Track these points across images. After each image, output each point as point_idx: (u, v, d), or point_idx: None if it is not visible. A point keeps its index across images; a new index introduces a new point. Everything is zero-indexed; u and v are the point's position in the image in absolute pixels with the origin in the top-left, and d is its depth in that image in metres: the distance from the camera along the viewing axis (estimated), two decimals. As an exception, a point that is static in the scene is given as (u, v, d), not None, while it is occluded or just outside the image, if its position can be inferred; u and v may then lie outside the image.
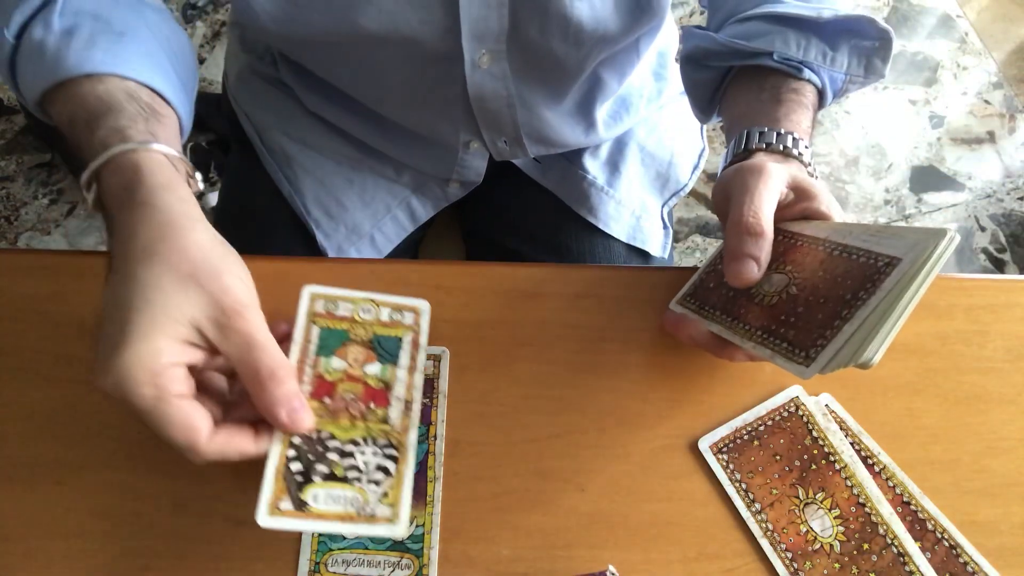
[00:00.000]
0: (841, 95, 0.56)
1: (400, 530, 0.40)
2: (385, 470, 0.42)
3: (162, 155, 0.40)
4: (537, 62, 0.56)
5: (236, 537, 0.43)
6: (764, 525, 0.44)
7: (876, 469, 0.46)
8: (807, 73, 0.52)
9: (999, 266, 1.48)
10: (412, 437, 0.43)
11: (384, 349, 0.46)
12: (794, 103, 0.52)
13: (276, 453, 0.41)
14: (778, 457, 0.46)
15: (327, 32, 0.52)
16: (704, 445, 0.47)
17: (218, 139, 1.45)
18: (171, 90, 0.45)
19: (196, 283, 0.36)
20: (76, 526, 0.43)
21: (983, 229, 1.50)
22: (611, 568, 0.43)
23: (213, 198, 1.40)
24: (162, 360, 0.34)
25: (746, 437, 0.47)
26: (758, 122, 0.50)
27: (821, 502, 0.45)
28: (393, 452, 0.43)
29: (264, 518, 0.39)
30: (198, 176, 0.44)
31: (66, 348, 0.48)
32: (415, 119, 0.63)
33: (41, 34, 0.43)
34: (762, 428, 0.47)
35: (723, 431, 0.47)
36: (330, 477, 0.41)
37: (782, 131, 0.49)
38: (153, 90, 0.44)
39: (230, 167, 0.77)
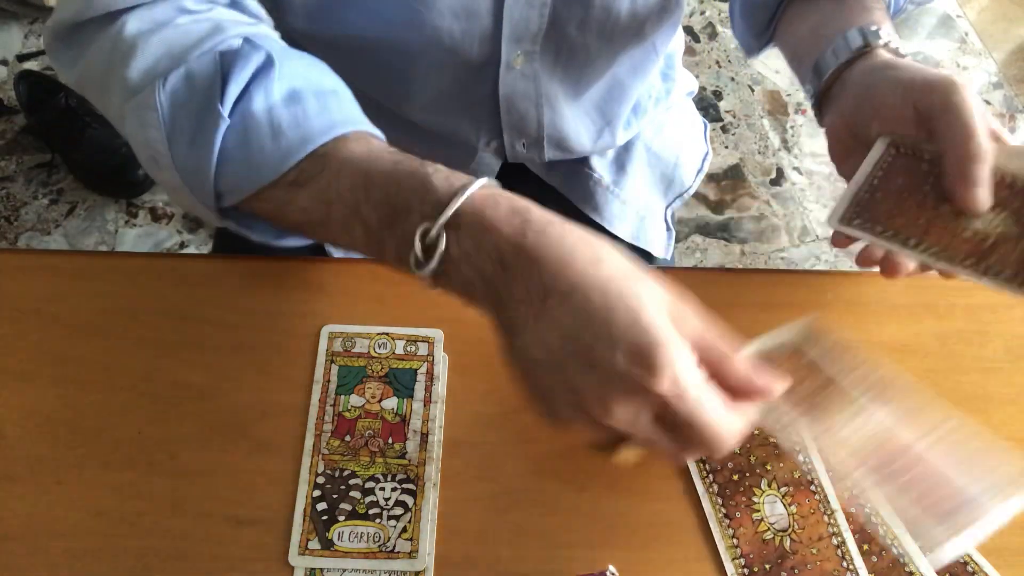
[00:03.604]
0: (896, 16, 0.55)
1: (420, 564, 0.42)
2: (404, 505, 0.44)
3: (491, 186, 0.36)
4: (566, 60, 0.56)
5: (236, 537, 0.43)
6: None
7: (876, 469, 0.46)
8: None
9: (999, 266, 1.48)
10: (429, 470, 0.44)
11: (400, 383, 0.47)
12: (877, 9, 0.50)
13: (303, 494, 0.43)
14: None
15: (362, 37, 0.51)
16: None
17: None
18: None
19: (649, 280, 0.34)
20: (76, 526, 0.43)
21: (983, 229, 1.50)
22: (611, 568, 0.43)
23: (213, 198, 1.40)
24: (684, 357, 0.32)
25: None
26: (858, 22, 0.48)
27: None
28: (411, 486, 0.44)
29: (295, 558, 0.42)
30: None
31: (66, 348, 0.48)
32: (437, 121, 0.63)
33: (264, 104, 0.37)
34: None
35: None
36: (353, 515, 0.43)
37: (886, 32, 0.47)
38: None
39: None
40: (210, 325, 0.49)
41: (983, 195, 0.41)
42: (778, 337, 0.47)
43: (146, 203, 1.42)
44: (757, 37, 0.61)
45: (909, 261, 0.43)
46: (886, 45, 0.47)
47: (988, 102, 1.65)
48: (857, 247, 0.46)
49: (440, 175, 0.36)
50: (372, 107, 0.65)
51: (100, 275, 0.51)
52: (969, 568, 0.44)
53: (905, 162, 0.46)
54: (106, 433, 0.46)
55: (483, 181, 0.35)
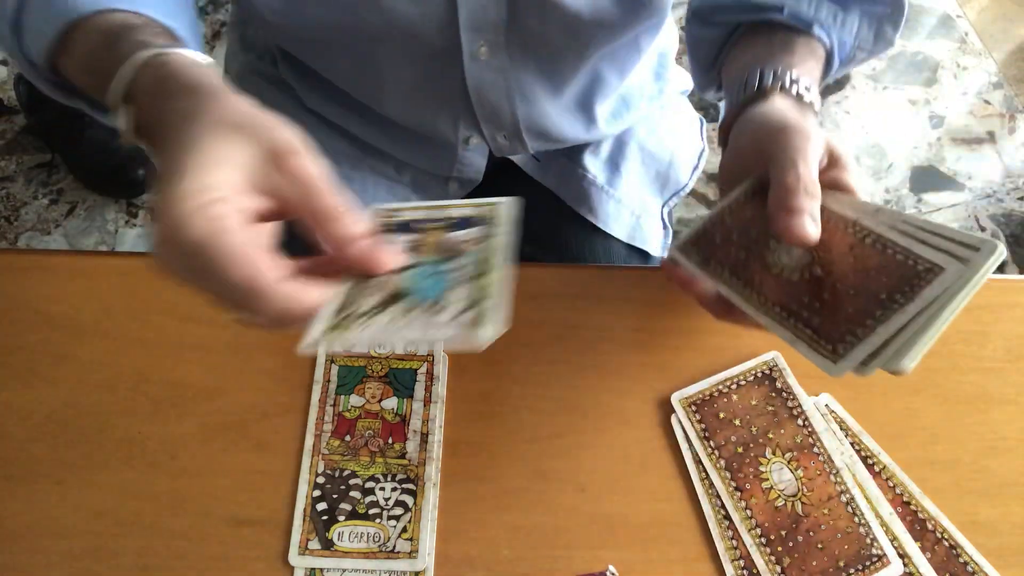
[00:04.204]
0: (847, 64, 0.55)
1: (420, 564, 0.42)
2: (404, 505, 0.44)
3: (191, 57, 0.38)
4: (536, 53, 0.56)
5: (236, 537, 0.43)
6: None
7: (876, 469, 0.46)
8: (817, 30, 0.51)
9: (999, 266, 1.48)
10: (429, 470, 0.44)
11: (400, 383, 0.47)
12: (807, 54, 0.51)
13: (303, 494, 0.44)
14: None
15: (326, 26, 0.52)
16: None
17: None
18: (187, 35, 0.43)
19: (245, 131, 0.33)
20: (76, 526, 0.43)
21: (983, 229, 1.50)
22: (611, 568, 0.43)
23: (213, 198, 1.40)
24: (215, 193, 0.31)
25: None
26: (772, 65, 0.49)
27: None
28: (411, 486, 0.44)
29: (295, 558, 0.42)
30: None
31: (66, 348, 0.48)
32: (414, 115, 0.63)
33: None
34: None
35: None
36: (353, 515, 0.43)
37: (794, 74, 0.48)
38: (169, 30, 0.42)
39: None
40: (210, 325, 0.49)
41: (800, 224, 0.40)
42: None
43: (146, 203, 1.42)
44: (704, 72, 0.61)
45: (745, 309, 0.41)
46: (783, 88, 0.47)
47: (988, 102, 1.65)
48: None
49: (131, 42, 0.38)
50: (354, 108, 0.66)
51: (100, 275, 0.51)
52: (969, 568, 0.44)
53: (756, 201, 0.44)
54: (106, 433, 0.46)
55: (172, 47, 0.38)
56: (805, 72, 0.49)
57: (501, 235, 0.37)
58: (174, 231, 0.30)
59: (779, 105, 0.47)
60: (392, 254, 0.35)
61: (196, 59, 0.38)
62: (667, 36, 0.73)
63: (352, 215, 0.34)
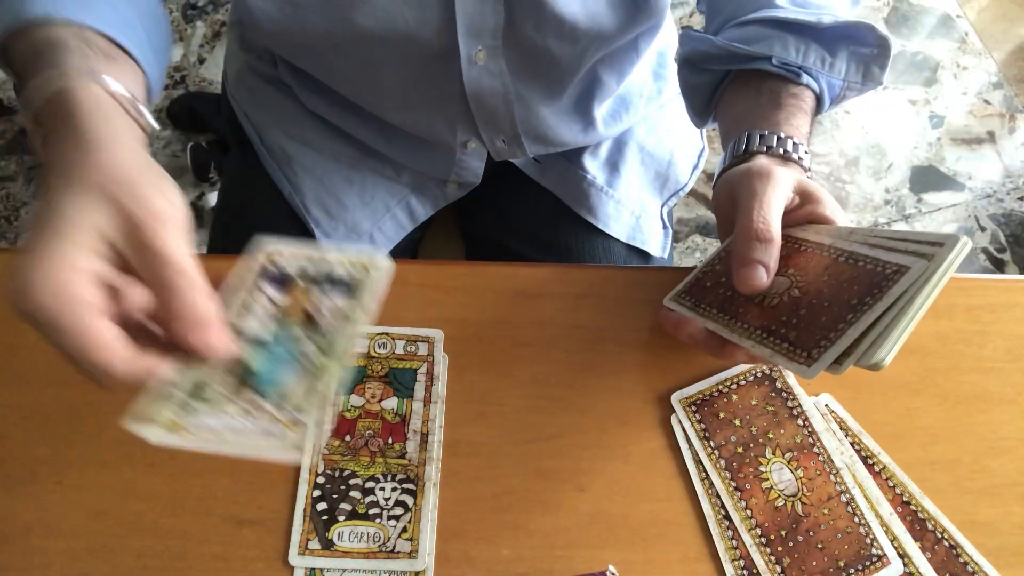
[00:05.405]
0: (838, 102, 0.56)
1: (420, 564, 0.42)
2: (404, 505, 0.44)
3: (101, 89, 0.38)
4: (533, 58, 0.56)
5: (236, 537, 0.43)
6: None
7: (876, 469, 0.46)
8: (805, 78, 0.52)
9: (999, 266, 1.48)
10: (429, 470, 0.44)
11: (400, 383, 0.47)
12: (794, 107, 0.51)
13: (303, 494, 0.44)
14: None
15: (324, 32, 0.52)
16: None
17: (218, 139, 1.45)
18: (135, 46, 0.43)
19: (106, 193, 0.33)
20: (76, 526, 0.43)
21: (983, 229, 1.50)
22: (611, 568, 0.43)
23: (213, 198, 1.40)
24: (65, 267, 0.31)
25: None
26: (758, 125, 0.50)
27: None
28: (411, 486, 0.44)
29: (295, 558, 0.42)
30: (147, 115, 0.41)
31: (66, 348, 0.48)
32: (412, 120, 0.63)
33: None
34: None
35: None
36: (353, 515, 0.43)
37: (782, 135, 0.49)
38: (115, 42, 0.42)
39: (229, 167, 0.77)
40: (210, 325, 0.49)
41: (746, 275, 0.41)
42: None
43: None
44: (699, 115, 0.62)
45: (729, 337, 0.43)
46: (768, 150, 0.48)
47: (988, 102, 1.65)
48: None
49: (51, 68, 0.38)
50: (353, 111, 0.66)
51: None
52: (969, 568, 0.44)
53: None
54: (106, 433, 0.46)
55: (82, 77, 0.37)
56: (793, 130, 0.50)
57: (361, 314, 0.37)
58: (32, 307, 0.31)
59: (758, 160, 0.48)
60: (225, 343, 0.35)
61: (105, 95, 0.38)
62: (666, 35, 0.73)
63: (196, 294, 0.33)
